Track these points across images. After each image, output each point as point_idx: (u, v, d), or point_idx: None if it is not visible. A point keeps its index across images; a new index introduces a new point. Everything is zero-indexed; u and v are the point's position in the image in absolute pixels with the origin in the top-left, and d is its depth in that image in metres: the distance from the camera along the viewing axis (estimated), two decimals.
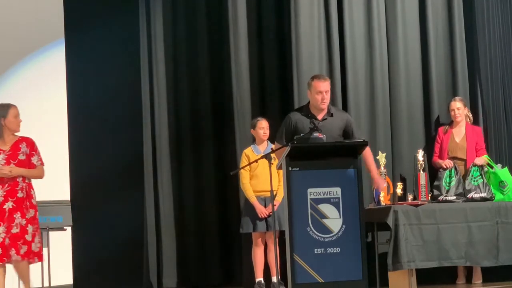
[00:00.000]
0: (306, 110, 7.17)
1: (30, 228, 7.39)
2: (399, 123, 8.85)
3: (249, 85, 8.81)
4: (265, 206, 8.10)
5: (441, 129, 8.62)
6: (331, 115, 7.15)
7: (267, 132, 8.21)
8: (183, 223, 8.83)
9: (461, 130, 8.54)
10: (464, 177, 8.22)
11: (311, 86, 7.16)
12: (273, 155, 7.06)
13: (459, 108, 8.52)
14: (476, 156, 8.40)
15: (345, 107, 8.72)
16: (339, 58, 8.78)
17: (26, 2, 9.47)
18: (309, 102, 7.22)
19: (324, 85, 7.11)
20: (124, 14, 9.05)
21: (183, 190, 8.86)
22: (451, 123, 8.60)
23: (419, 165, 8.13)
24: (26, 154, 7.47)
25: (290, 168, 6.61)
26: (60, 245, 9.06)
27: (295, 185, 6.60)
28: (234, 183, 8.52)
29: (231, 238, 8.77)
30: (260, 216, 8.06)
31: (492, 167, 8.27)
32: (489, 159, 8.39)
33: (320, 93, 7.09)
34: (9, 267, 9.01)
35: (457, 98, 8.63)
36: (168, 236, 8.75)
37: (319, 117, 7.10)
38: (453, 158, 8.45)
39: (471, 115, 8.67)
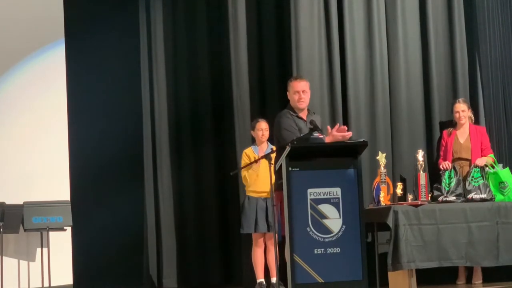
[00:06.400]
0: (292, 110, 7.18)
1: None
2: (399, 123, 8.84)
3: (249, 85, 8.81)
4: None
5: (445, 132, 8.59)
6: (313, 115, 7.20)
7: (266, 133, 8.19)
8: (183, 223, 8.83)
9: (465, 131, 8.51)
10: (466, 177, 8.20)
11: (289, 87, 7.22)
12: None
13: (464, 111, 8.49)
14: (482, 155, 8.38)
15: (345, 107, 8.72)
16: (339, 58, 8.78)
17: (26, 2, 9.47)
18: (289, 105, 7.23)
19: (300, 85, 7.17)
20: (124, 14, 9.06)
21: (183, 190, 8.86)
22: (454, 125, 8.58)
23: (419, 165, 8.11)
24: None
25: (290, 168, 6.60)
26: (60, 245, 9.05)
27: (295, 185, 6.59)
28: (234, 183, 8.52)
29: (231, 238, 8.78)
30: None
31: (494, 167, 8.25)
32: (494, 158, 8.36)
33: (298, 93, 7.14)
34: (9, 267, 9.02)
35: (461, 99, 8.58)
36: (168, 236, 8.75)
37: (304, 117, 7.13)
38: (458, 159, 8.42)
39: (472, 115, 8.66)
